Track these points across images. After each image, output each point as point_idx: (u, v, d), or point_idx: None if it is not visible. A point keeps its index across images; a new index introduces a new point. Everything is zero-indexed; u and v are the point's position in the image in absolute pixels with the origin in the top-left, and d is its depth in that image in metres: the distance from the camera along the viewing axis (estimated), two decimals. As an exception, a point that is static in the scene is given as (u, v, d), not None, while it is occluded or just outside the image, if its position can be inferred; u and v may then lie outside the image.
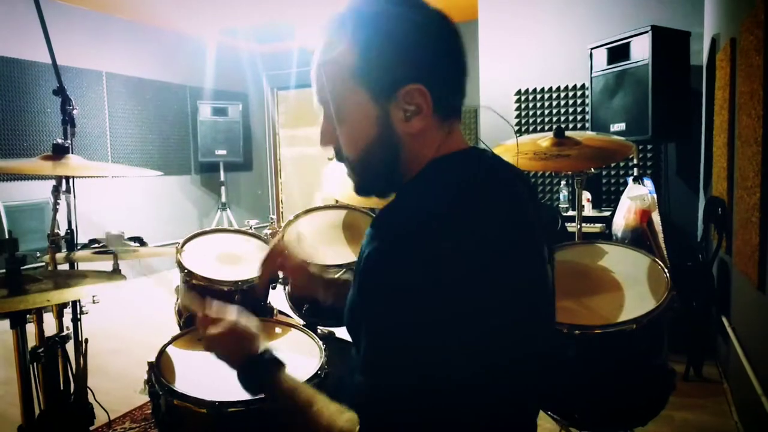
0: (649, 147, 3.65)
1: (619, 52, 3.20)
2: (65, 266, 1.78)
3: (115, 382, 2.85)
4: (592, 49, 3.40)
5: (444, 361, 0.66)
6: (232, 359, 0.86)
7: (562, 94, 3.99)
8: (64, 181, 1.77)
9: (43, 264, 1.75)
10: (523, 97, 4.12)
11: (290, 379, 0.83)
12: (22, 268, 1.41)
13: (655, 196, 2.89)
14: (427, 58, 0.72)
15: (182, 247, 1.96)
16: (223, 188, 6.32)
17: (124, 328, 3.94)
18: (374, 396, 0.69)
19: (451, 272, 0.65)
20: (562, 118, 4.00)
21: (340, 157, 0.82)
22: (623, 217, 2.92)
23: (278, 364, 0.84)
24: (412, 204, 0.73)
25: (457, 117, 0.79)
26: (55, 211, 1.76)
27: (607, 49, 3.28)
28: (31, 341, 1.53)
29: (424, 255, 0.65)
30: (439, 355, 0.66)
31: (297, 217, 2.19)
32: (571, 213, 3.36)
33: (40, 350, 1.57)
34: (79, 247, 1.91)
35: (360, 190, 0.84)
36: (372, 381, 0.69)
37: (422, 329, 0.65)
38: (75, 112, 1.79)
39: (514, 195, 0.77)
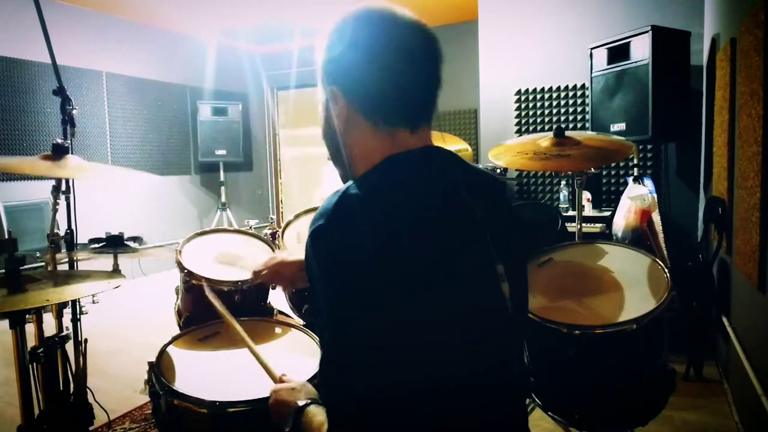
0: (649, 147, 3.65)
1: (619, 52, 3.20)
2: (65, 266, 1.78)
3: (115, 382, 2.85)
4: (592, 49, 3.40)
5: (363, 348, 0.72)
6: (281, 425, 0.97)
7: (562, 94, 3.99)
8: (63, 181, 1.77)
9: (43, 264, 1.75)
10: (523, 97, 4.12)
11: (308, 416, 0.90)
12: (21, 268, 1.41)
13: (655, 196, 2.89)
14: (352, 66, 0.80)
15: (182, 247, 1.95)
16: (222, 188, 6.32)
17: (124, 328, 3.94)
18: (324, 383, 0.79)
19: (357, 264, 0.71)
20: (562, 118, 4.00)
21: None
22: (623, 217, 2.92)
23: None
24: (330, 201, 0.78)
25: (400, 125, 0.82)
26: (55, 211, 1.76)
27: (607, 49, 3.28)
28: (31, 341, 1.53)
29: (330, 249, 0.73)
30: (364, 324, 0.72)
31: (297, 216, 2.19)
32: (571, 213, 3.36)
33: (40, 350, 1.57)
34: (78, 247, 1.91)
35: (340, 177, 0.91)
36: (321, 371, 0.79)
37: (344, 307, 0.73)
38: (75, 112, 1.79)
39: (446, 194, 0.81)
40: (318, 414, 0.87)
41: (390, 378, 0.73)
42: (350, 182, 0.80)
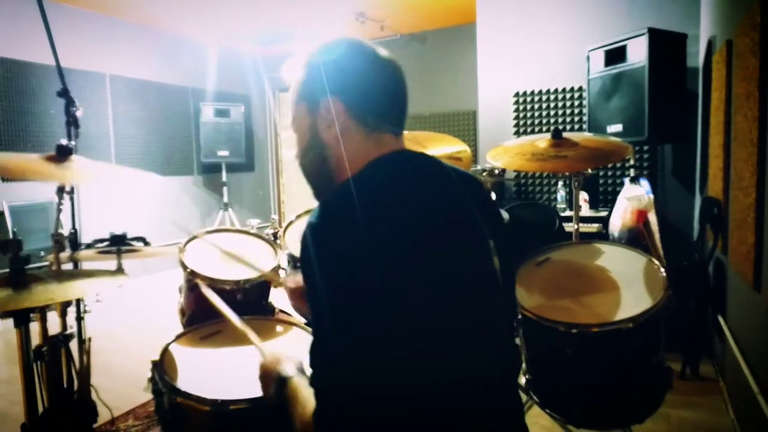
0: (645, 148, 3.67)
1: (616, 55, 3.22)
2: (69, 266, 1.80)
3: (118, 380, 2.87)
4: (589, 51, 3.42)
5: (358, 336, 0.75)
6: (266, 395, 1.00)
7: (560, 96, 4.01)
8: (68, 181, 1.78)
9: (47, 263, 1.77)
10: (521, 99, 4.14)
11: (292, 388, 0.91)
12: (26, 267, 1.43)
13: (651, 196, 2.91)
14: (344, 77, 0.88)
15: (185, 246, 1.98)
16: (225, 189, 6.34)
17: (127, 327, 3.95)
18: (314, 372, 0.80)
19: (354, 257, 0.74)
20: (560, 120, 4.02)
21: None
22: (620, 217, 2.93)
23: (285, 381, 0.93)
24: (328, 200, 0.84)
25: (391, 128, 0.90)
26: (59, 211, 1.78)
27: (604, 51, 3.30)
28: (35, 340, 1.54)
29: (330, 242, 0.76)
30: (365, 328, 0.75)
31: (298, 216, 2.21)
32: (568, 213, 3.38)
33: (44, 349, 1.58)
34: (83, 247, 1.93)
35: (314, 193, 0.96)
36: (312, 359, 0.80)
37: (334, 311, 0.75)
38: (79, 113, 1.81)
39: (435, 189, 0.87)
40: (303, 386, 0.89)
41: (385, 361, 0.75)
42: (345, 181, 0.84)
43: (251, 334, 1.22)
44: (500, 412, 0.89)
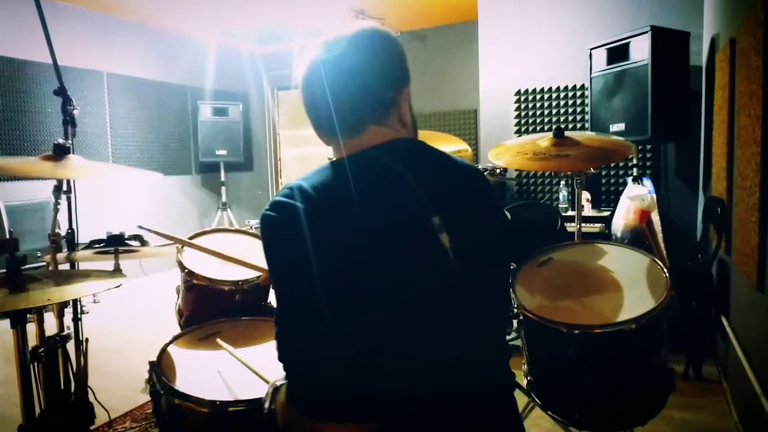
0: (648, 147, 3.66)
1: (618, 53, 3.20)
2: (66, 266, 1.79)
3: (116, 381, 2.85)
4: (591, 49, 3.41)
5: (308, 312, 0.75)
6: None
7: (562, 95, 3.99)
8: (65, 181, 1.77)
9: (44, 264, 1.76)
10: (522, 98, 4.12)
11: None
12: (22, 267, 1.42)
13: (654, 196, 2.90)
14: (304, 92, 0.92)
15: (183, 247, 1.96)
16: (223, 188, 6.33)
17: (125, 328, 3.94)
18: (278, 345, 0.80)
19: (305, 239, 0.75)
20: (562, 119, 4.01)
21: None
22: (623, 217, 2.92)
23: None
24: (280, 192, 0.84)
25: (335, 137, 0.91)
26: (56, 210, 1.77)
27: (606, 49, 3.29)
28: (32, 341, 1.53)
29: (279, 234, 0.79)
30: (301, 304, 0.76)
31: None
32: (570, 213, 3.36)
33: (41, 350, 1.57)
34: (80, 247, 1.91)
35: None
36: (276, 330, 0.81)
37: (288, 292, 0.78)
38: (76, 112, 1.80)
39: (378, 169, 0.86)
40: None
41: (350, 349, 0.75)
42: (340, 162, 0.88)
43: (261, 372, 1.22)
44: (502, 411, 0.87)
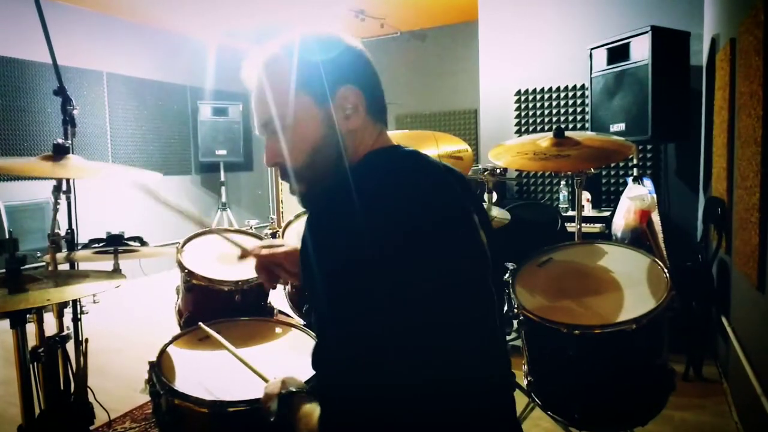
0: (648, 147, 3.65)
1: (618, 53, 3.20)
2: (66, 266, 1.79)
3: (116, 381, 2.85)
4: (592, 49, 3.41)
5: (373, 331, 0.71)
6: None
7: (562, 95, 3.99)
8: (64, 181, 1.77)
9: (44, 264, 1.76)
10: (522, 98, 4.12)
11: (297, 400, 0.91)
12: (22, 267, 1.41)
13: (654, 196, 2.90)
14: (356, 67, 0.86)
15: (182, 247, 1.96)
16: (223, 188, 6.33)
17: (125, 328, 3.94)
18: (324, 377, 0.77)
19: (378, 247, 0.71)
20: (562, 119, 4.01)
21: (284, 174, 0.89)
22: (623, 217, 2.92)
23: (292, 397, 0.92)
24: (348, 186, 0.79)
25: (385, 122, 0.90)
26: (56, 210, 1.76)
27: (607, 49, 3.28)
28: (32, 341, 1.53)
29: (354, 230, 0.72)
30: (368, 324, 0.71)
31: (297, 217, 2.19)
32: (570, 213, 3.36)
33: (41, 350, 1.57)
34: (79, 247, 1.91)
35: (303, 199, 0.90)
36: (320, 357, 0.77)
37: (352, 304, 0.72)
38: (75, 112, 1.80)
39: (441, 182, 0.86)
40: (305, 401, 0.89)
41: (387, 360, 0.72)
42: (364, 170, 0.82)
43: (255, 366, 1.21)
44: (502, 411, 0.88)
